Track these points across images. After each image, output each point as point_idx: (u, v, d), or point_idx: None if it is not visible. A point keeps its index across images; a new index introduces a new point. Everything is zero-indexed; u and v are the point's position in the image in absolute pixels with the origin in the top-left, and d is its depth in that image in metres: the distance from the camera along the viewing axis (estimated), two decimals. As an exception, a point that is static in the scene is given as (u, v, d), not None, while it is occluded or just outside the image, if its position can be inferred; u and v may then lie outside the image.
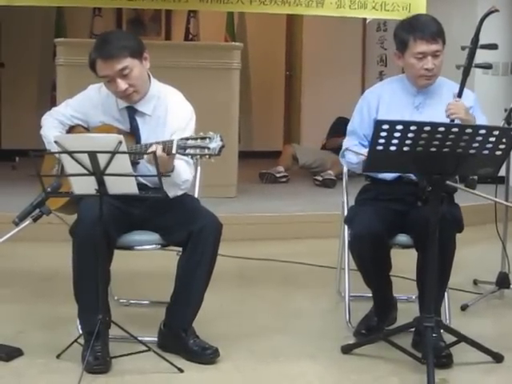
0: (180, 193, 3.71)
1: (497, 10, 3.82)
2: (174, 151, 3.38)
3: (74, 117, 3.90)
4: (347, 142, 4.04)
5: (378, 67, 9.52)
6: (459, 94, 3.81)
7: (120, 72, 3.64)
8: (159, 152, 3.38)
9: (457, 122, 3.72)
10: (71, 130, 3.91)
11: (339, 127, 8.60)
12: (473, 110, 3.86)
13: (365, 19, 8.02)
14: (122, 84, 3.66)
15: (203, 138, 3.33)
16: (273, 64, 10.72)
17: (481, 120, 3.83)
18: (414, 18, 3.96)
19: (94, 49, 3.68)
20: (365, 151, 3.69)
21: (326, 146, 8.80)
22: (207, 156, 3.34)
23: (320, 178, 8.15)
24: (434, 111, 3.87)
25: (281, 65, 10.84)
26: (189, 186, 3.76)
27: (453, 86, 3.98)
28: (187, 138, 3.38)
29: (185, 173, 3.66)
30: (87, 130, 3.88)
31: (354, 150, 3.87)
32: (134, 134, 3.77)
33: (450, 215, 3.63)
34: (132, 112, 3.80)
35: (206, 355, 3.64)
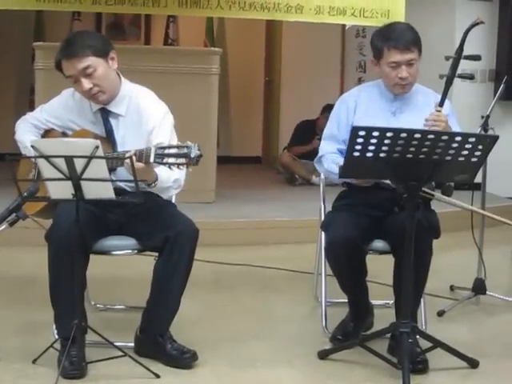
0: (174, 192, 3.74)
1: (482, 22, 3.84)
2: (151, 160, 3.35)
3: (49, 121, 3.89)
4: (325, 147, 4.02)
5: (357, 73, 9.54)
6: (441, 104, 3.81)
7: (83, 71, 3.63)
8: (135, 161, 3.35)
9: None
10: (46, 133, 3.90)
11: (305, 133, 8.66)
12: (448, 117, 3.87)
13: (344, 25, 8.07)
14: (86, 83, 3.64)
15: (181, 147, 3.32)
16: (252, 69, 10.74)
17: (455, 129, 3.85)
18: (389, 26, 3.97)
19: (59, 50, 3.69)
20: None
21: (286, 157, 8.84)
22: (185, 165, 3.32)
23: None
24: (410, 117, 3.90)
25: (260, 70, 10.85)
26: (182, 183, 3.72)
27: (428, 93, 4.01)
28: (165, 147, 3.36)
29: (172, 174, 3.60)
30: (62, 133, 3.86)
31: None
32: (108, 137, 3.76)
33: (426, 222, 3.64)
34: (105, 114, 3.78)
35: (184, 359, 3.64)
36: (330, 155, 3.96)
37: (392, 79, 3.89)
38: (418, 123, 3.76)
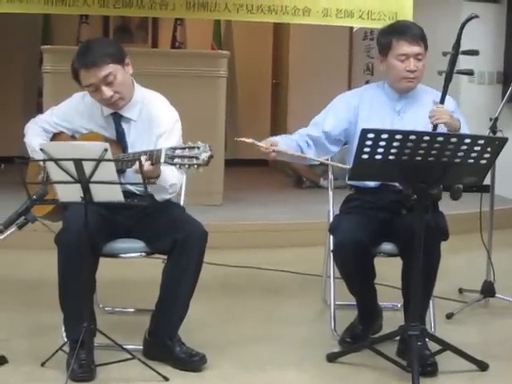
0: (168, 196, 3.72)
1: (477, 16, 3.85)
2: (162, 160, 3.36)
3: (59, 124, 3.89)
4: (303, 129, 4.07)
5: (365, 76, 9.53)
6: (441, 101, 3.82)
7: (104, 79, 3.63)
8: (146, 164, 3.36)
9: (441, 127, 3.74)
10: (55, 136, 3.90)
11: None
12: (454, 114, 3.87)
13: (351, 28, 8.05)
14: (108, 91, 3.65)
15: (192, 148, 3.31)
16: (259, 72, 10.74)
17: (461, 121, 3.85)
18: (395, 22, 4.13)
19: (76, 59, 3.66)
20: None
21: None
22: (195, 166, 3.32)
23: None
24: (415, 116, 3.91)
25: (267, 73, 10.85)
26: (176, 189, 3.75)
27: (433, 94, 4.00)
28: (175, 148, 3.37)
29: (172, 177, 3.63)
30: (72, 137, 3.87)
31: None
32: (120, 140, 3.77)
33: (434, 223, 3.63)
34: (117, 118, 3.79)
35: (193, 362, 3.63)
36: (296, 136, 4.01)
37: (400, 72, 3.88)
38: (422, 122, 3.78)
